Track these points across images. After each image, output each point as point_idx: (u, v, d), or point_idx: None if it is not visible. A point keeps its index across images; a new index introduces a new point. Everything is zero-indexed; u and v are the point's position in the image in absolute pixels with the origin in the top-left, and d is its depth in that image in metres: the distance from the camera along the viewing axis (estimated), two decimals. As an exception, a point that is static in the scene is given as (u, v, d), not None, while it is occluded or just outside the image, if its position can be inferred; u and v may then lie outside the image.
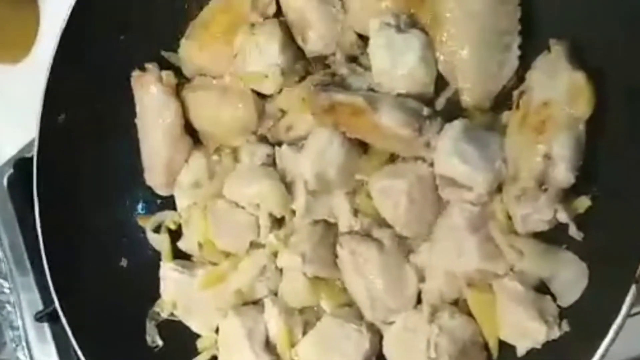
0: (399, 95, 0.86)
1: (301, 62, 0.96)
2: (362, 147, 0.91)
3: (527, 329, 0.76)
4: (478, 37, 0.81)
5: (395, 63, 0.85)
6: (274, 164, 0.98)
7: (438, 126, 0.83)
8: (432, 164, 0.84)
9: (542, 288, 0.78)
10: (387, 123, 0.83)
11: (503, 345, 0.80)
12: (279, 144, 0.98)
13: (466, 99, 0.84)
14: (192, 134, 1.05)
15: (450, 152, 0.80)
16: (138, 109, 1.06)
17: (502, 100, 0.83)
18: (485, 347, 0.81)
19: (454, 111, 0.85)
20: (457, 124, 0.81)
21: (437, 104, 0.86)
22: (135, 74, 1.05)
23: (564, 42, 0.76)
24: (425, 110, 0.84)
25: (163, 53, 1.07)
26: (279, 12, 0.97)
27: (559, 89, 0.73)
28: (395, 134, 0.83)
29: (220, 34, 0.99)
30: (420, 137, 0.83)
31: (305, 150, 0.91)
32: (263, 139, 1.00)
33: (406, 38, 0.84)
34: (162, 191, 1.08)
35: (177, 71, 1.06)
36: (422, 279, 0.86)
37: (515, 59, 0.81)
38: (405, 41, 0.84)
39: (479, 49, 0.81)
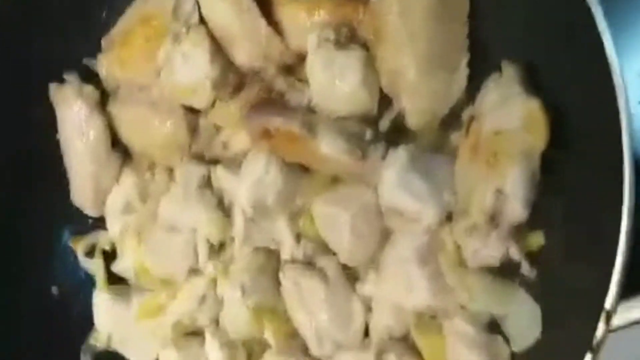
0: (339, 117, 0.78)
1: (234, 73, 0.87)
2: (303, 168, 0.84)
3: (478, 373, 0.71)
4: (423, 55, 0.73)
5: (335, 84, 0.77)
6: (210, 184, 0.90)
7: (382, 150, 0.77)
8: (376, 189, 0.78)
9: (495, 326, 0.73)
10: (327, 151, 0.76)
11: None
12: (216, 161, 0.90)
13: (412, 121, 0.77)
14: (123, 149, 0.96)
15: (396, 184, 0.74)
16: (59, 123, 0.96)
17: (451, 120, 0.77)
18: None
19: (399, 132, 0.78)
20: (402, 154, 0.74)
21: (380, 124, 0.79)
22: (54, 86, 0.95)
23: (518, 64, 0.69)
24: (368, 134, 0.77)
25: (85, 61, 0.97)
26: (202, 20, 0.87)
27: (512, 117, 0.67)
28: (336, 160, 0.77)
29: (142, 47, 0.89)
30: (364, 163, 0.76)
31: (242, 177, 0.84)
32: (199, 157, 0.92)
33: (346, 55, 0.76)
34: (91, 212, 1.00)
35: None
36: (369, 309, 0.81)
37: (464, 78, 0.74)
38: (346, 59, 0.76)
39: (425, 68, 0.74)
